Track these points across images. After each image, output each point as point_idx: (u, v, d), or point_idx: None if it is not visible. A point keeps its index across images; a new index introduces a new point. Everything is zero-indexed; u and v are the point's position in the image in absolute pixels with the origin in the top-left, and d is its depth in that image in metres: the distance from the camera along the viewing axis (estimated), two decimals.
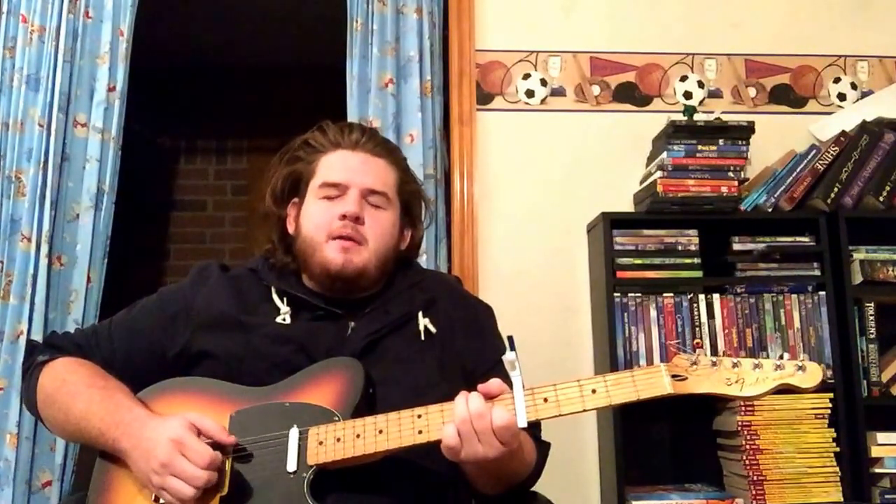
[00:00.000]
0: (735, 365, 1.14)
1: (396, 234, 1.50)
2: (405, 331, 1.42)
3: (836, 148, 2.41)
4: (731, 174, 2.36)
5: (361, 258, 1.41)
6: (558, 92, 2.64)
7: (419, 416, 1.20)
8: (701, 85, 2.66)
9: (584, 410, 1.16)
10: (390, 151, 1.53)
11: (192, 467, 1.17)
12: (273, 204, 1.52)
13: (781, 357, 1.14)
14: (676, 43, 2.68)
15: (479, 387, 1.19)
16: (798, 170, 2.40)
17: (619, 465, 2.21)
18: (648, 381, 1.15)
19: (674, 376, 1.15)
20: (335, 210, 1.42)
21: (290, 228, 1.50)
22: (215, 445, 1.21)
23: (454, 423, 1.16)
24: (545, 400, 1.17)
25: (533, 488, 1.41)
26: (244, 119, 4.47)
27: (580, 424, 2.40)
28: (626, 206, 2.53)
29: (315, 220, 1.44)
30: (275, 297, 1.43)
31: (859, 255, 2.34)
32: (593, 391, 1.16)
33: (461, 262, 2.50)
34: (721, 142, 2.38)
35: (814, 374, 1.13)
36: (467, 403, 1.16)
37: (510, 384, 1.20)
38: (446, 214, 2.55)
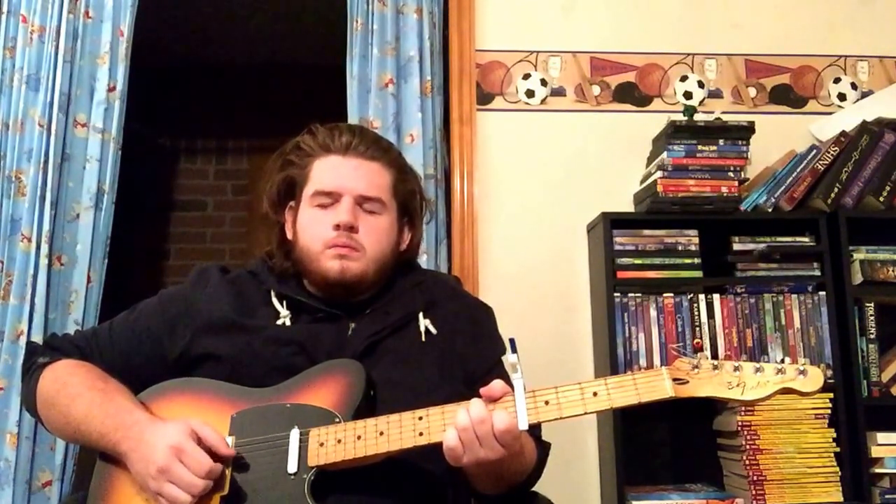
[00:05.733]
0: (736, 368, 1.14)
1: (394, 237, 1.48)
2: (406, 332, 1.42)
3: (837, 148, 2.41)
4: (731, 174, 2.36)
5: (359, 265, 1.40)
6: (558, 92, 2.64)
7: (420, 418, 1.20)
8: (701, 85, 2.66)
9: (586, 413, 1.16)
10: (384, 152, 1.49)
11: (189, 475, 1.17)
12: (270, 210, 1.51)
13: (783, 361, 1.14)
14: (676, 43, 2.68)
15: (482, 390, 1.19)
16: (798, 170, 2.40)
17: (619, 465, 2.21)
18: (650, 385, 1.15)
19: (675, 380, 1.15)
20: (329, 219, 1.41)
21: (289, 234, 1.49)
22: (214, 454, 1.21)
23: (455, 428, 1.15)
24: (546, 402, 1.17)
25: (533, 488, 1.41)
26: (244, 119, 4.47)
27: (580, 425, 2.40)
28: (626, 206, 2.53)
29: (310, 229, 1.43)
30: (274, 300, 1.43)
31: (859, 255, 2.34)
32: (594, 394, 1.16)
33: (461, 262, 2.50)
34: (721, 142, 2.38)
35: (815, 378, 1.13)
36: (468, 410, 1.16)
37: (511, 384, 1.21)
38: (446, 214, 2.55)
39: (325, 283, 1.41)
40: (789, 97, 2.69)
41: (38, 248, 2.35)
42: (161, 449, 1.19)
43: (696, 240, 2.36)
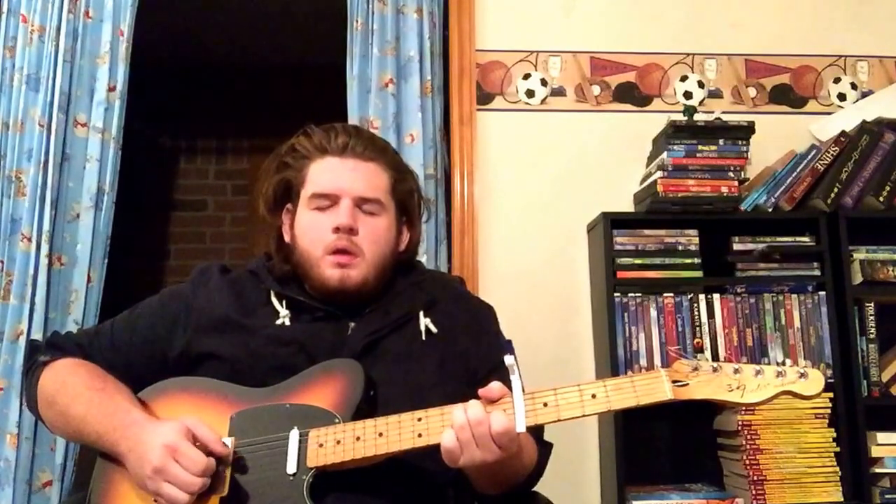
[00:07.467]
0: (736, 371, 1.13)
1: (393, 238, 1.47)
2: (406, 331, 1.42)
3: (836, 148, 2.41)
4: (731, 174, 2.36)
5: (359, 271, 1.39)
6: (558, 92, 2.63)
7: (419, 420, 1.20)
8: (701, 85, 2.66)
9: (584, 416, 1.16)
10: (381, 152, 1.48)
11: (185, 474, 1.17)
12: (267, 213, 1.50)
13: (783, 362, 1.14)
14: (676, 43, 2.68)
15: (480, 391, 1.19)
16: (798, 170, 2.40)
17: (619, 465, 2.21)
18: (649, 387, 1.15)
19: (674, 381, 1.14)
20: (328, 222, 1.40)
21: (286, 237, 1.48)
22: (210, 453, 1.20)
23: (452, 429, 1.15)
24: (545, 404, 1.17)
25: (534, 488, 1.41)
26: (244, 119, 4.47)
27: (581, 425, 2.39)
28: (626, 206, 2.53)
29: (309, 233, 1.42)
30: (274, 300, 1.43)
31: (859, 255, 2.34)
32: (593, 396, 1.16)
33: (461, 262, 2.50)
34: (721, 142, 2.38)
35: (816, 381, 1.12)
36: (466, 411, 1.16)
37: (511, 386, 1.20)
38: (446, 214, 2.55)
39: (325, 291, 1.40)
40: (789, 97, 2.68)
41: (38, 248, 2.35)
42: (156, 448, 1.19)
43: (696, 240, 2.36)
